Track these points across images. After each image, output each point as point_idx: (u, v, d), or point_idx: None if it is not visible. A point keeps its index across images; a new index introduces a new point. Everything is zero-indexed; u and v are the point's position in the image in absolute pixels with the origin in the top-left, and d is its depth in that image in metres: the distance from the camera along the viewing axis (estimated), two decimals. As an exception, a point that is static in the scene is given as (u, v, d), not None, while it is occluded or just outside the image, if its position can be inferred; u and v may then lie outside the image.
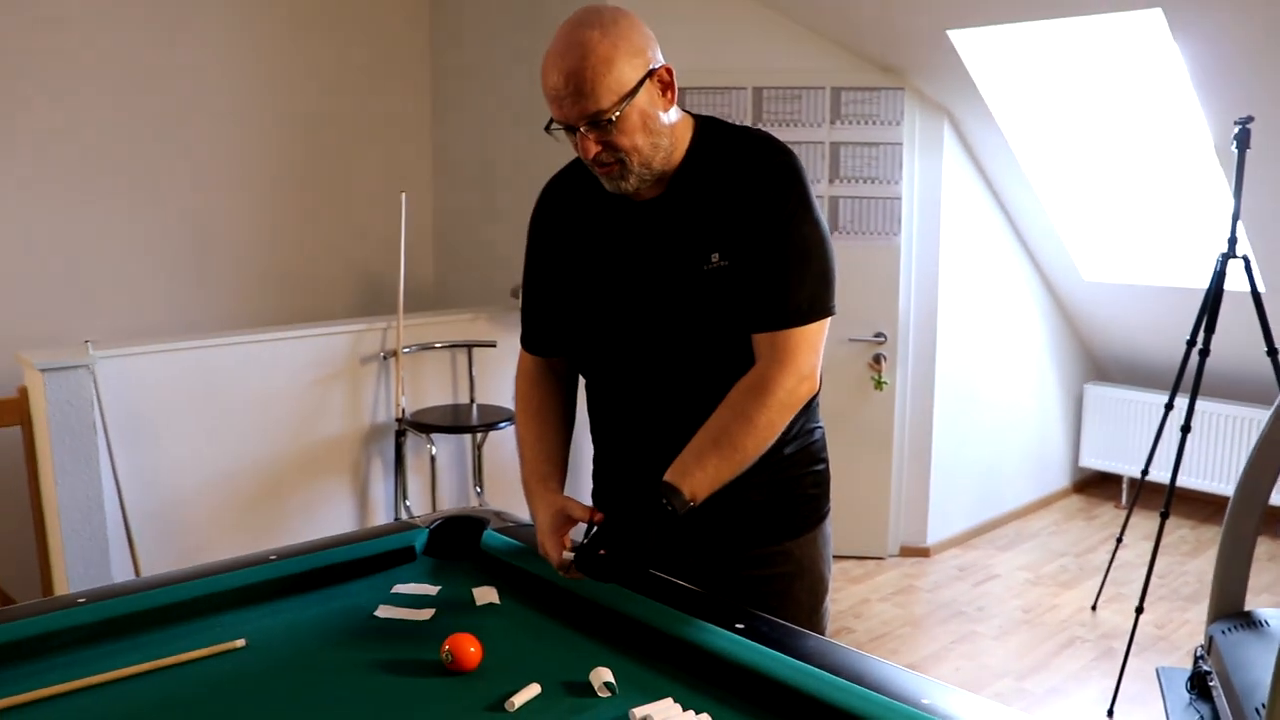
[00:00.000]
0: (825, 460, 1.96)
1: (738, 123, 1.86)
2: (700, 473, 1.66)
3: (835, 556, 4.88)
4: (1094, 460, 6.03)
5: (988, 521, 5.55)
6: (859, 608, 4.53)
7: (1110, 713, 3.64)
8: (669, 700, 1.42)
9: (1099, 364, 6.11)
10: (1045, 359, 5.81)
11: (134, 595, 1.72)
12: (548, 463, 1.89)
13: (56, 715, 1.42)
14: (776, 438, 1.73)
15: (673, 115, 1.74)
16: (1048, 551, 5.26)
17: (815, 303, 1.74)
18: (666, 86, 1.71)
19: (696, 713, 1.38)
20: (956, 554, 5.22)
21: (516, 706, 1.42)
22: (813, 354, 1.74)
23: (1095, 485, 6.25)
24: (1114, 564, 4.74)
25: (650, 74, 1.67)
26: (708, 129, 1.81)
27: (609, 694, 1.46)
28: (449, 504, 4.68)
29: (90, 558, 3.55)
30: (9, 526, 3.81)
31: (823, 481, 1.94)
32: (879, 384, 4.89)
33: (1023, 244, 5.46)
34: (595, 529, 1.68)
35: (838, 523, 1.98)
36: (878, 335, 4.89)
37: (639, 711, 1.38)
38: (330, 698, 1.47)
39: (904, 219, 4.82)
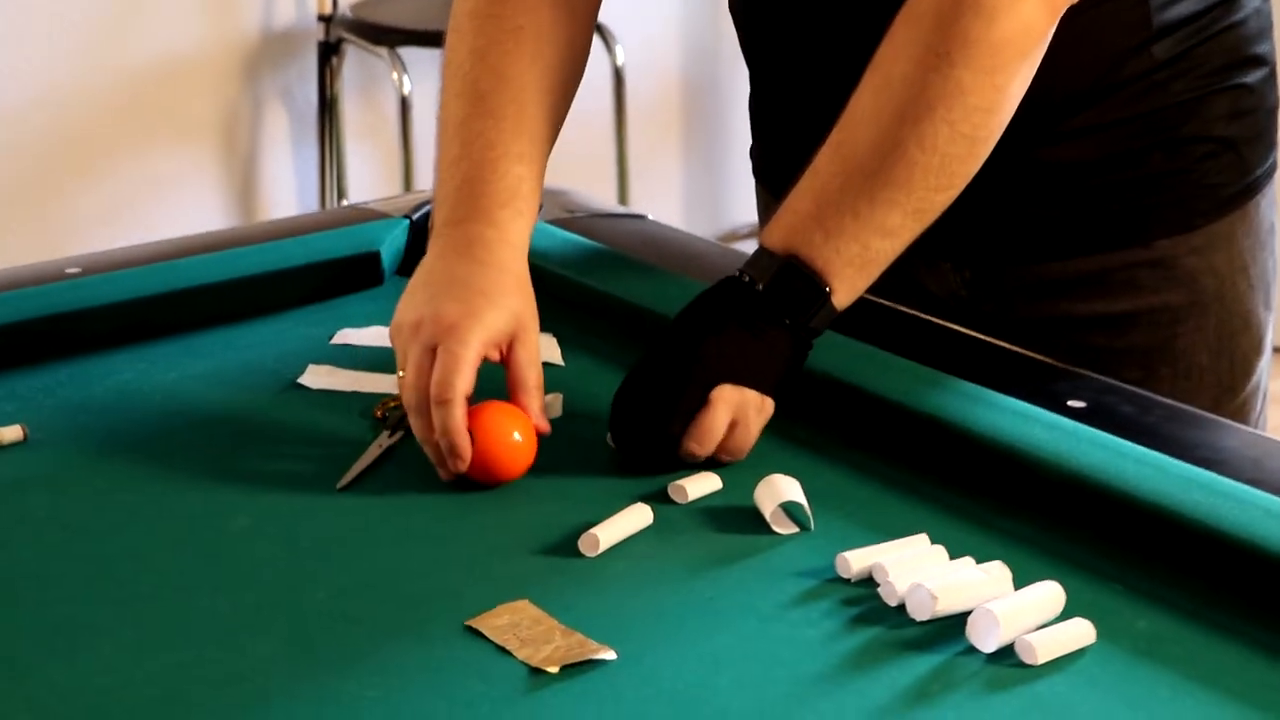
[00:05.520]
0: (1270, 63, 1.44)
1: None
2: (823, 235, 1.19)
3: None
4: None
5: None
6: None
7: None
8: (922, 538, 1.06)
9: None
10: None
11: None
12: (528, 131, 1.39)
13: None
14: (1003, 128, 1.23)
15: None
16: None
17: None
18: None
19: (977, 561, 1.04)
20: None
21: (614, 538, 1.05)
22: None
23: None
24: None
25: None
26: None
27: (794, 529, 1.12)
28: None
29: None
30: None
31: (1256, 110, 1.42)
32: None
33: None
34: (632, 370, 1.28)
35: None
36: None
37: (854, 559, 1.04)
38: (191, 539, 1.16)
39: None
